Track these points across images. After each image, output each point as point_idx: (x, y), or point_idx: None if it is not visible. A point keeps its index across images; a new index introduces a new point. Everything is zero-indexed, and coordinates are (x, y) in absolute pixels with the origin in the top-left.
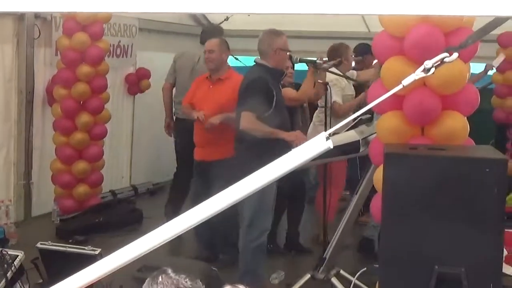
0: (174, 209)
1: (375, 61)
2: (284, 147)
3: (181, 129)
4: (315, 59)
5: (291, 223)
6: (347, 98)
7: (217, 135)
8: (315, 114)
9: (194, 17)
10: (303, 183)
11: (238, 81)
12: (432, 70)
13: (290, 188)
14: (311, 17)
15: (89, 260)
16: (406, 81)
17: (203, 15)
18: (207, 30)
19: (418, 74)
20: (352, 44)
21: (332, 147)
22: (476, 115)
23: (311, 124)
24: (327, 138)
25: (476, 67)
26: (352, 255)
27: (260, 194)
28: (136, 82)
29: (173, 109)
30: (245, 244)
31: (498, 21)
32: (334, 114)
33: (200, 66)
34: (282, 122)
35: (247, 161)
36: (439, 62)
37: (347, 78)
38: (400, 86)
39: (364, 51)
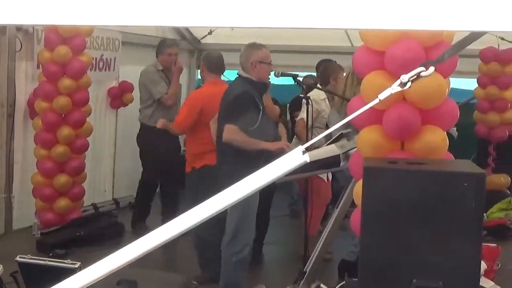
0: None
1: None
2: (265, 160)
3: None
4: (296, 73)
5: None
6: (322, 121)
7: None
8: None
9: (177, 31)
10: (270, 195)
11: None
12: (409, 84)
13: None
14: (295, 31)
15: (69, 273)
16: (383, 95)
17: (187, 29)
18: (160, 43)
19: (395, 88)
20: (336, 58)
21: (308, 160)
22: (459, 129)
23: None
24: (304, 152)
25: (458, 82)
26: (332, 269)
27: (243, 209)
28: (119, 96)
29: None
30: (227, 257)
31: (474, 36)
32: (296, 131)
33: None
34: (267, 135)
35: (229, 174)
36: (415, 76)
37: (338, 95)
38: (376, 100)
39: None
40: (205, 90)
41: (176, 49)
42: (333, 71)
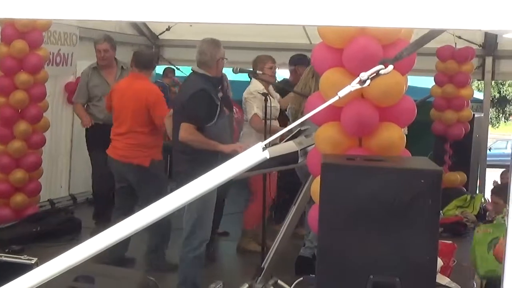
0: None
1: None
2: (222, 158)
3: None
4: (255, 70)
5: None
6: (274, 112)
7: None
8: None
9: (135, 26)
10: (224, 190)
11: None
12: (368, 82)
13: None
14: (253, 28)
15: (25, 269)
16: (342, 93)
17: (145, 25)
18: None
19: (354, 85)
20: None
21: (268, 157)
22: (416, 127)
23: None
24: (264, 148)
25: (415, 80)
26: (290, 265)
27: (200, 205)
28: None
29: None
30: (184, 254)
31: (433, 34)
32: (253, 126)
33: None
34: (224, 132)
35: (186, 172)
36: (374, 74)
37: (275, 84)
38: (336, 98)
39: (297, 61)
40: (118, 83)
41: (105, 45)
42: (258, 62)
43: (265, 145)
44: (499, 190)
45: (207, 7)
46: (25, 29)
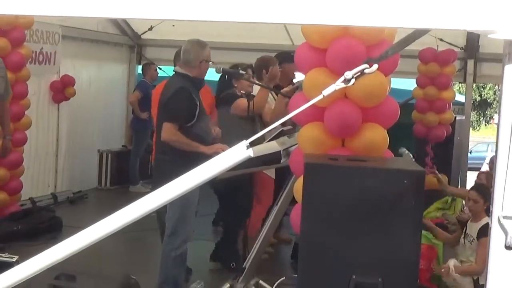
0: None
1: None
2: (206, 159)
3: None
4: (237, 70)
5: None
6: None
7: None
8: None
9: (117, 25)
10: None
11: None
12: (353, 81)
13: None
14: (236, 29)
15: (6, 267)
16: (327, 91)
17: (127, 24)
18: None
19: (339, 84)
20: None
21: (252, 155)
22: (397, 129)
23: None
24: (248, 147)
25: (398, 82)
26: (271, 265)
27: (182, 204)
28: (61, 90)
29: None
30: (166, 252)
31: (417, 34)
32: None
33: None
34: (205, 132)
35: (168, 170)
36: (359, 73)
37: (270, 89)
38: (320, 96)
39: (283, 59)
40: None
41: None
42: (272, 64)
43: (249, 143)
44: (481, 188)
45: (190, 5)
46: (7, 27)
